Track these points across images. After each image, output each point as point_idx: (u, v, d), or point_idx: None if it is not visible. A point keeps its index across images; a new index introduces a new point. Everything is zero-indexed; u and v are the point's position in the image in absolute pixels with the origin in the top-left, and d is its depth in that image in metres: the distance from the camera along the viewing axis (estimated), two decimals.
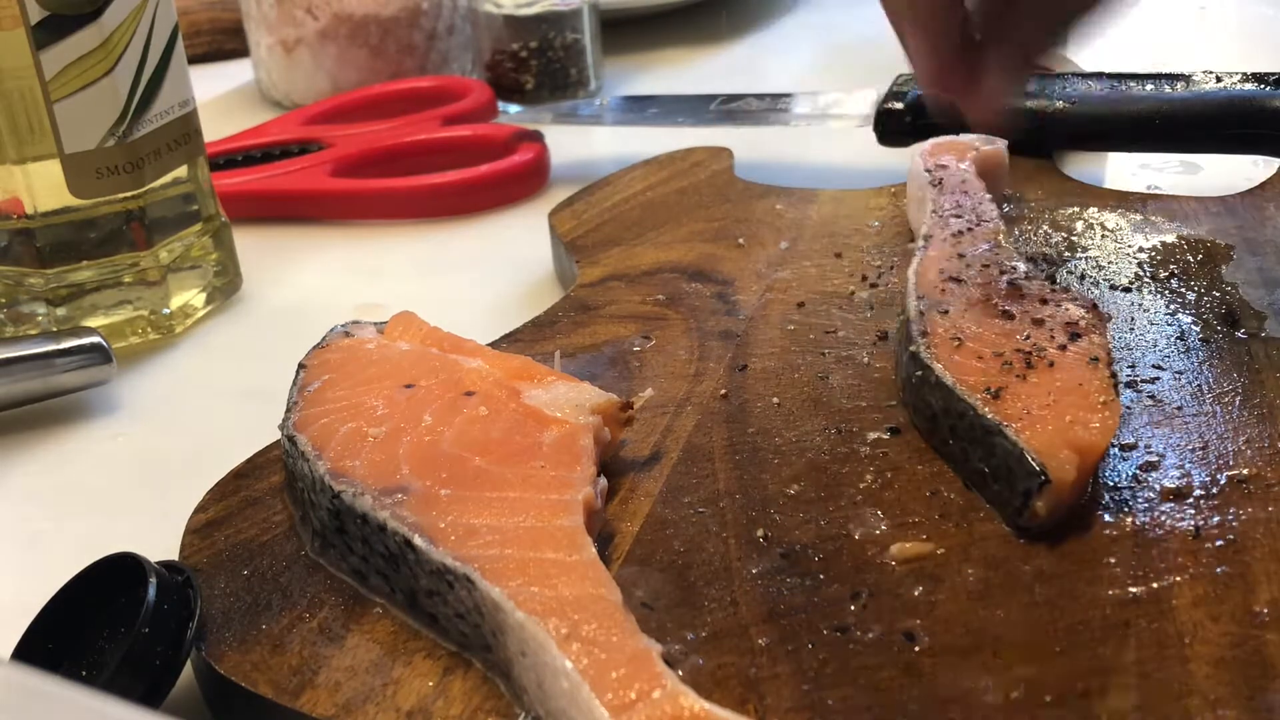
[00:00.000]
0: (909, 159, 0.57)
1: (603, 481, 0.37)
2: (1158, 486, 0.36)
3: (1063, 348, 0.39)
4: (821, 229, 0.56)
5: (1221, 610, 0.32)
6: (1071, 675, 0.30)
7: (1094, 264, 0.50)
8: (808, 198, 0.59)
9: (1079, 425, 0.36)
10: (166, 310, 0.54)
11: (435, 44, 0.85)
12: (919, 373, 0.40)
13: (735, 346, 0.46)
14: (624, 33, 0.96)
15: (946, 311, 0.42)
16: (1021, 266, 0.45)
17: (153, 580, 0.33)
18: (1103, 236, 0.52)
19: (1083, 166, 0.64)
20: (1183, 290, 0.48)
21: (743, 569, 0.34)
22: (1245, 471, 0.37)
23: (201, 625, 0.34)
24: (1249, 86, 0.58)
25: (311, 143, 0.73)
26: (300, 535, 0.37)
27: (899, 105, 0.63)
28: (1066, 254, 0.51)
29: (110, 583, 0.34)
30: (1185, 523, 0.35)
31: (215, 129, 0.71)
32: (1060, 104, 0.61)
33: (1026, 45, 0.38)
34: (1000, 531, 0.35)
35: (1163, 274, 0.49)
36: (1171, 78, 0.60)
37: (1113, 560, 0.34)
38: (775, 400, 0.42)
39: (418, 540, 0.33)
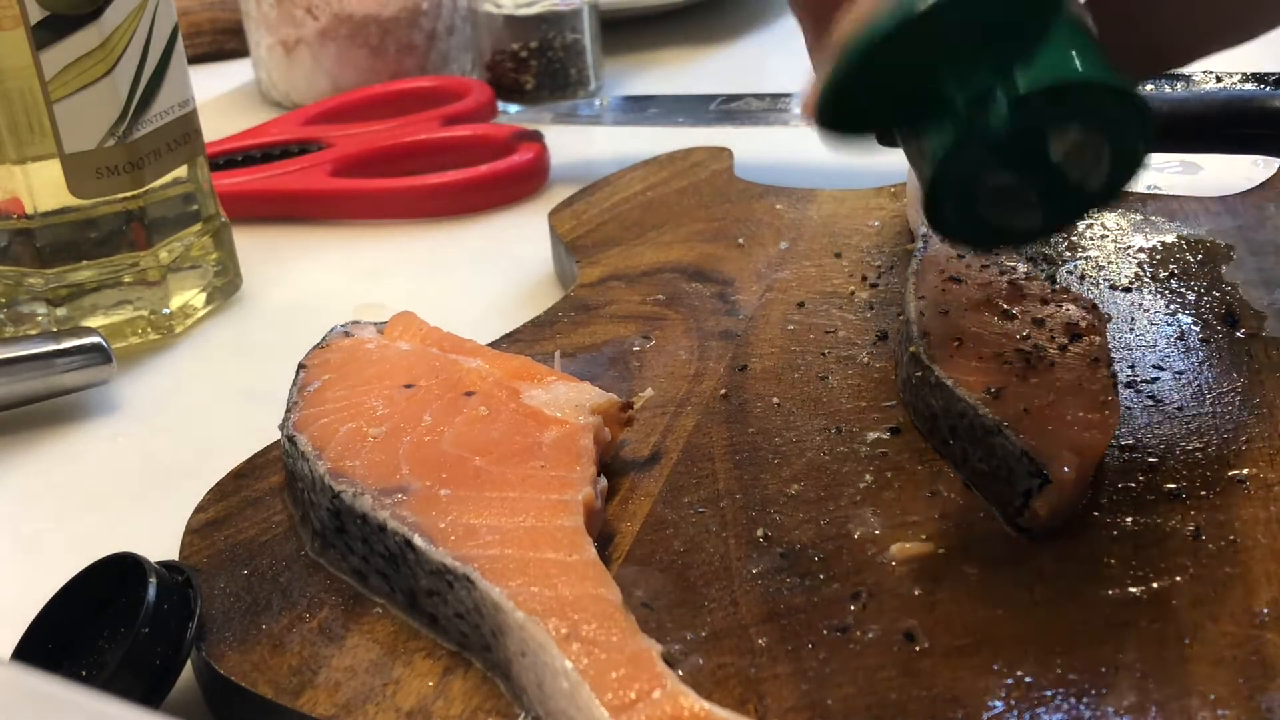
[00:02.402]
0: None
1: (603, 481, 0.37)
2: (1158, 486, 0.36)
3: (1063, 348, 0.39)
4: (821, 229, 0.56)
5: (1221, 610, 0.32)
6: (1071, 675, 0.30)
7: (1094, 264, 0.50)
8: (808, 198, 0.59)
9: (1079, 425, 0.36)
10: (166, 310, 0.54)
11: (435, 44, 0.85)
12: (919, 373, 0.40)
13: (735, 346, 0.46)
14: (624, 33, 0.96)
15: (946, 311, 0.42)
16: (1021, 266, 0.45)
17: (153, 580, 0.33)
18: (1103, 236, 0.52)
19: None
20: (1183, 290, 0.48)
21: (743, 569, 0.34)
22: (1245, 471, 0.37)
23: (201, 625, 0.34)
24: (1249, 86, 0.58)
25: (311, 143, 0.73)
26: (300, 535, 0.38)
27: None
28: (1066, 254, 0.51)
29: (110, 583, 0.34)
30: (1185, 523, 0.35)
31: (215, 129, 0.71)
32: None
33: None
34: (1000, 531, 0.35)
35: (1163, 274, 0.49)
36: (1171, 78, 0.60)
37: (1113, 560, 0.34)
38: (775, 400, 0.42)
39: (418, 540, 0.33)
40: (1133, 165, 0.32)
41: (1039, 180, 0.32)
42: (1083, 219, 0.34)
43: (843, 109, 0.32)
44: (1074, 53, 0.30)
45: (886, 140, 0.37)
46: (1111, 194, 0.33)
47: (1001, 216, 0.33)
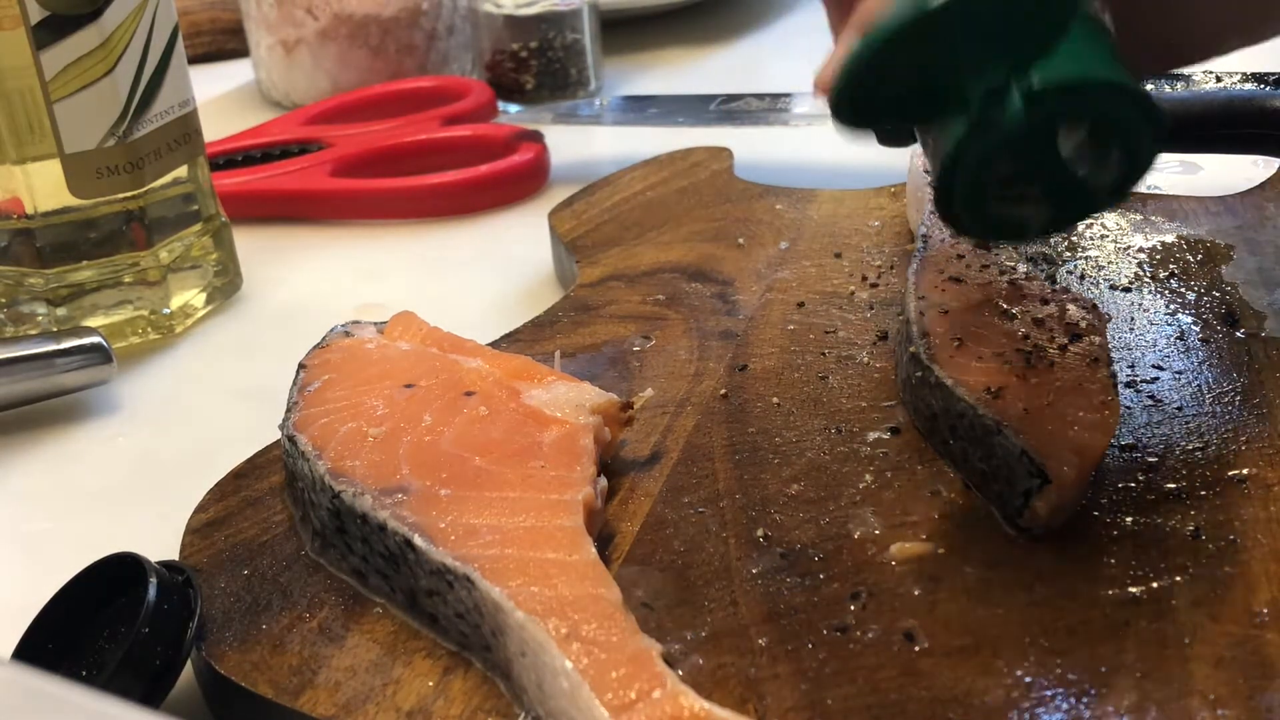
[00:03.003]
0: (909, 159, 0.57)
1: (603, 481, 0.37)
2: (1158, 486, 0.36)
3: (1063, 348, 0.39)
4: (821, 229, 0.56)
5: (1221, 610, 0.32)
6: (1071, 675, 0.30)
7: (1094, 264, 0.50)
8: (808, 198, 0.59)
9: (1079, 425, 0.36)
10: (166, 310, 0.54)
11: (435, 44, 0.85)
12: (919, 373, 0.40)
13: (735, 346, 0.46)
14: (624, 33, 0.96)
15: (946, 311, 0.42)
16: (1021, 266, 0.45)
17: (153, 580, 0.33)
18: (1103, 236, 0.52)
19: None
20: (1183, 290, 0.48)
21: (743, 569, 0.34)
22: (1245, 471, 0.37)
23: (201, 625, 0.34)
24: (1249, 86, 0.58)
25: (311, 143, 0.73)
26: (300, 535, 0.38)
27: None
28: (1066, 254, 0.51)
29: (110, 583, 0.34)
30: (1185, 523, 0.35)
31: (215, 129, 0.71)
32: None
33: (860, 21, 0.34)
34: (1000, 531, 0.35)
35: (1163, 274, 0.49)
36: (1171, 78, 0.60)
37: (1113, 560, 0.34)
38: (775, 400, 0.42)
39: (418, 540, 0.33)
40: (1141, 166, 0.32)
41: (1048, 177, 0.32)
42: (1089, 218, 0.34)
43: (857, 101, 0.32)
44: (1089, 52, 0.31)
45: (893, 141, 0.37)
46: (1120, 194, 0.33)
47: (1010, 211, 0.33)
